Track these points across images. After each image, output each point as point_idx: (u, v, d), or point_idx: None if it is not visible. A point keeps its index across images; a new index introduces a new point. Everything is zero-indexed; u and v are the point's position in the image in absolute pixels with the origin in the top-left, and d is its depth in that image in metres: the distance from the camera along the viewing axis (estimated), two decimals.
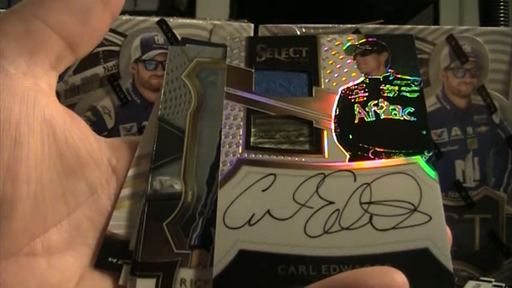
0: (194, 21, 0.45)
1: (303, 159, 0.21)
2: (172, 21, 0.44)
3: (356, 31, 0.44)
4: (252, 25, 0.45)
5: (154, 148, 0.22)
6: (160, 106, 0.23)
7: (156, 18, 0.44)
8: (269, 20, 0.45)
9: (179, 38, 0.43)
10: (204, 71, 0.24)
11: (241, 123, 0.22)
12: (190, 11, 0.88)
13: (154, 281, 0.20)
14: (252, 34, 0.44)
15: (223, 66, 0.24)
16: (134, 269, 0.20)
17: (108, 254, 0.20)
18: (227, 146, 0.21)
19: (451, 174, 0.44)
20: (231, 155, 0.21)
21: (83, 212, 0.21)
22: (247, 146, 0.21)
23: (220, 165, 0.21)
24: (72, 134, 0.20)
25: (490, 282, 0.42)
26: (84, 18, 0.20)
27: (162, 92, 0.23)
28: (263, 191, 0.20)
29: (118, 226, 0.21)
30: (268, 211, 0.20)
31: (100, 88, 0.42)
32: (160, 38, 0.43)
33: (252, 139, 0.22)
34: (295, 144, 0.21)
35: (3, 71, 0.19)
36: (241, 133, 0.22)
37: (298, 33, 0.44)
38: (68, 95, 0.41)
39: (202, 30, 0.44)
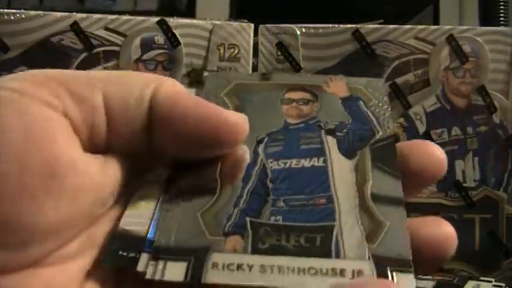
0: (194, 21, 0.45)
1: None
2: (172, 21, 0.44)
3: (356, 31, 0.44)
4: (252, 25, 0.45)
5: None
6: None
7: (156, 18, 0.44)
8: (269, 20, 0.45)
9: (179, 38, 0.43)
10: (241, 91, 0.26)
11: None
12: (190, 11, 0.88)
13: (185, 264, 0.20)
14: (252, 34, 0.44)
15: (261, 86, 0.26)
16: (162, 254, 0.20)
17: (119, 248, 0.21)
18: None
19: (451, 174, 0.44)
20: None
21: (98, 224, 0.21)
22: None
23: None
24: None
25: (490, 282, 0.42)
26: None
27: None
28: None
29: (130, 223, 0.22)
30: None
31: None
32: (160, 38, 0.43)
33: None
34: None
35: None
36: None
37: (298, 33, 0.45)
38: None
39: (202, 30, 0.44)
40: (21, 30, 0.42)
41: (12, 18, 0.42)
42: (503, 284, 0.42)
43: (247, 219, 0.21)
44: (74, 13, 0.43)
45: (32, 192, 0.18)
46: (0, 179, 0.18)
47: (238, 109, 0.24)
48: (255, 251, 0.20)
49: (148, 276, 0.20)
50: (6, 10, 0.42)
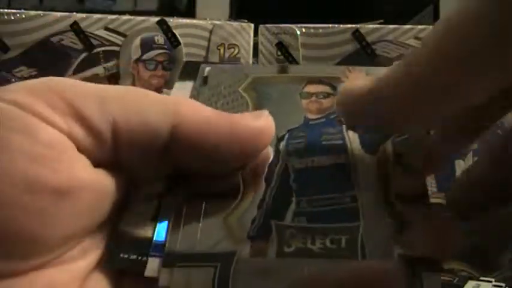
0: (194, 21, 0.45)
1: None
2: (172, 21, 0.44)
3: (356, 31, 0.44)
4: (252, 25, 0.45)
5: None
6: None
7: (156, 18, 0.44)
8: (269, 20, 0.45)
9: (179, 38, 0.43)
10: (259, 85, 0.25)
11: None
12: (190, 11, 0.88)
13: (212, 270, 0.20)
14: (252, 34, 0.44)
15: (279, 80, 0.25)
16: (183, 261, 0.20)
17: (120, 249, 0.21)
18: None
19: (451, 174, 0.44)
20: None
21: (99, 229, 0.21)
22: None
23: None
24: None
25: (490, 282, 0.42)
26: None
27: (221, 103, 0.24)
28: None
29: (130, 225, 0.21)
30: None
31: None
32: (160, 38, 0.43)
33: None
34: None
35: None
36: None
37: (298, 33, 0.45)
38: None
39: (202, 30, 0.44)
40: (21, 30, 0.42)
41: (12, 18, 0.42)
42: (503, 284, 0.42)
43: (272, 222, 0.21)
44: (74, 13, 0.43)
45: (40, 212, 0.18)
46: (8, 200, 0.18)
47: (256, 104, 0.24)
48: (281, 254, 0.20)
49: (163, 283, 0.20)
50: (6, 10, 0.42)
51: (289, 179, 0.22)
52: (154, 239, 0.21)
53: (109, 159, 0.21)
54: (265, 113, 0.22)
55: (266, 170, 0.22)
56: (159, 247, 0.20)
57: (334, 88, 0.25)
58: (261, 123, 0.21)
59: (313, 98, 0.25)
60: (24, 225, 0.18)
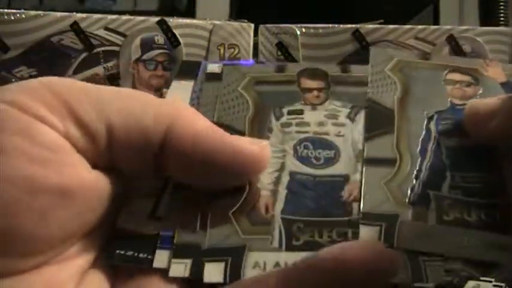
0: (194, 21, 0.45)
1: None
2: (172, 21, 0.44)
3: (356, 31, 0.44)
4: (252, 25, 0.45)
5: None
6: (216, 113, 0.25)
7: (156, 18, 0.44)
8: (269, 20, 0.45)
9: (179, 38, 0.43)
10: (406, 68, 0.27)
11: None
12: (190, 11, 0.88)
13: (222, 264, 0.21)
14: (252, 34, 0.44)
15: (423, 65, 0.27)
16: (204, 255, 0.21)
17: (117, 246, 0.21)
18: None
19: None
20: None
21: (97, 228, 0.21)
22: None
23: None
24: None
25: (490, 282, 0.42)
26: None
27: (219, 101, 0.26)
28: None
29: (126, 221, 0.22)
30: None
31: None
32: (160, 38, 0.43)
33: None
34: None
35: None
36: None
37: (298, 33, 0.44)
38: None
39: (202, 30, 0.44)
40: (21, 30, 0.42)
41: (12, 18, 0.42)
42: (503, 284, 0.41)
43: (430, 191, 0.22)
44: (74, 13, 0.43)
45: (41, 211, 0.18)
46: (9, 201, 0.18)
47: (405, 86, 0.26)
48: (441, 222, 0.22)
49: (175, 274, 0.20)
50: (6, 10, 0.42)
51: (442, 155, 0.24)
52: (161, 232, 0.21)
53: (105, 160, 0.21)
54: (264, 142, 0.22)
55: (419, 144, 0.24)
56: (168, 239, 0.21)
57: (475, 79, 0.27)
58: (255, 148, 0.21)
59: (457, 86, 0.27)
60: (25, 225, 0.18)
